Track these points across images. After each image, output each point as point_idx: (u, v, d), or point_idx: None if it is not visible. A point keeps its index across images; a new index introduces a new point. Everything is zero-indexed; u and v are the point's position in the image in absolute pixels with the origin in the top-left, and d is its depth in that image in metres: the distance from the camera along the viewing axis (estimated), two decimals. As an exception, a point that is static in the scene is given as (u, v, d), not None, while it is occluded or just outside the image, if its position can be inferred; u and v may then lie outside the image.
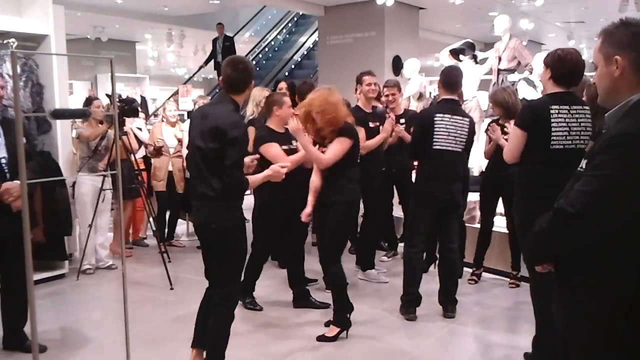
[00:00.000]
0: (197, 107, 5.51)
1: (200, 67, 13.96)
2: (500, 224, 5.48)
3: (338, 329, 4.17)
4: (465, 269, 5.50)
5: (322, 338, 4.15)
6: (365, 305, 4.78)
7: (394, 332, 4.35)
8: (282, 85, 6.50)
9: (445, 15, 12.34)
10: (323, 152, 4.06)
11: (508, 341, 4.28)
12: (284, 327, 4.44)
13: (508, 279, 5.39)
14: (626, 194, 1.66)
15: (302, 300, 4.82)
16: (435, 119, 4.35)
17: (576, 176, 1.80)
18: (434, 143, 4.35)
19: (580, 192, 1.72)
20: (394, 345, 4.15)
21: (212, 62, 13.25)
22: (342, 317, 4.18)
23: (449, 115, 4.35)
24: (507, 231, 5.29)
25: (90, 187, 5.72)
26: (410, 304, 4.55)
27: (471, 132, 4.48)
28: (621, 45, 1.76)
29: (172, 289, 5.29)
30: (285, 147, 4.51)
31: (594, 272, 1.75)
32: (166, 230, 6.93)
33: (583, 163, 1.80)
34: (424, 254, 4.87)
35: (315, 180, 4.19)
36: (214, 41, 13.15)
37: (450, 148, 4.37)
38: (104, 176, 5.64)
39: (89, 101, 6.03)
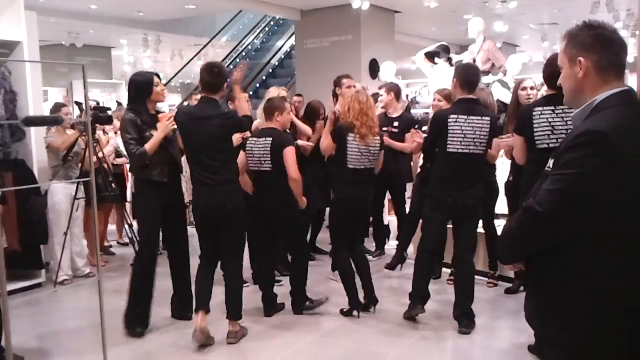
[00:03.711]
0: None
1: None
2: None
3: (349, 307, 4.65)
4: (443, 269, 5.55)
5: (341, 311, 4.71)
6: (336, 307, 4.81)
7: (370, 334, 4.37)
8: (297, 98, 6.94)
9: (421, 18, 12.43)
10: None
11: (486, 340, 4.32)
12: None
13: (486, 279, 5.43)
14: (593, 192, 1.68)
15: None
16: (449, 120, 4.18)
17: (544, 175, 1.83)
18: (448, 145, 4.19)
19: (548, 190, 1.74)
20: (371, 347, 4.16)
21: None
22: (350, 298, 4.65)
23: (465, 116, 4.17)
24: (483, 231, 5.34)
25: (63, 196, 5.65)
26: (415, 299, 4.46)
27: (492, 131, 4.29)
28: (584, 47, 1.79)
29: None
30: None
31: (562, 270, 1.77)
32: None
33: (550, 162, 1.82)
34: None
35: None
36: None
37: (466, 150, 4.19)
38: (77, 184, 5.57)
39: (56, 108, 5.92)
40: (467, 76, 4.26)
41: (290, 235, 4.75)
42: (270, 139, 4.52)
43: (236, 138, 4.66)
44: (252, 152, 4.60)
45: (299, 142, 5.34)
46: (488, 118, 4.23)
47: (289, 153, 4.49)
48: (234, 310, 4.20)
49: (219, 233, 4.17)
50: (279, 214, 4.61)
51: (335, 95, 6.04)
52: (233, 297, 4.20)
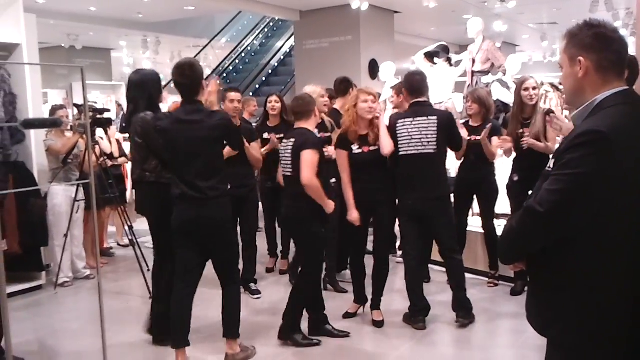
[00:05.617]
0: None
1: None
2: (477, 224, 5.51)
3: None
4: (437, 267, 5.53)
5: (347, 315, 4.66)
6: (345, 304, 4.79)
7: (371, 334, 4.36)
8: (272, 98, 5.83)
9: (420, 18, 12.45)
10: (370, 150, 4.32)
11: (486, 342, 4.32)
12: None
13: (486, 279, 5.43)
14: (594, 192, 1.68)
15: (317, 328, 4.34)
16: (397, 125, 4.35)
17: (544, 175, 1.82)
18: (400, 149, 4.32)
19: (549, 190, 1.73)
20: (372, 348, 4.16)
21: None
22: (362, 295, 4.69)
23: (411, 119, 4.31)
24: (482, 231, 5.33)
25: (63, 198, 5.65)
26: (416, 313, 4.46)
27: (443, 129, 4.26)
28: (584, 47, 1.78)
29: (151, 297, 5.24)
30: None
31: (564, 270, 1.77)
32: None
33: (551, 162, 1.82)
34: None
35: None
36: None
37: (415, 152, 4.27)
38: (77, 186, 5.56)
39: (53, 111, 5.91)
40: (411, 83, 4.43)
41: (300, 250, 4.35)
42: (293, 140, 4.03)
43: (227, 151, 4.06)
44: (283, 155, 4.15)
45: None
46: (435, 117, 4.30)
47: (306, 154, 3.89)
48: (231, 326, 3.82)
49: (208, 253, 3.77)
50: (293, 226, 4.20)
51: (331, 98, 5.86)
52: (231, 314, 3.82)
